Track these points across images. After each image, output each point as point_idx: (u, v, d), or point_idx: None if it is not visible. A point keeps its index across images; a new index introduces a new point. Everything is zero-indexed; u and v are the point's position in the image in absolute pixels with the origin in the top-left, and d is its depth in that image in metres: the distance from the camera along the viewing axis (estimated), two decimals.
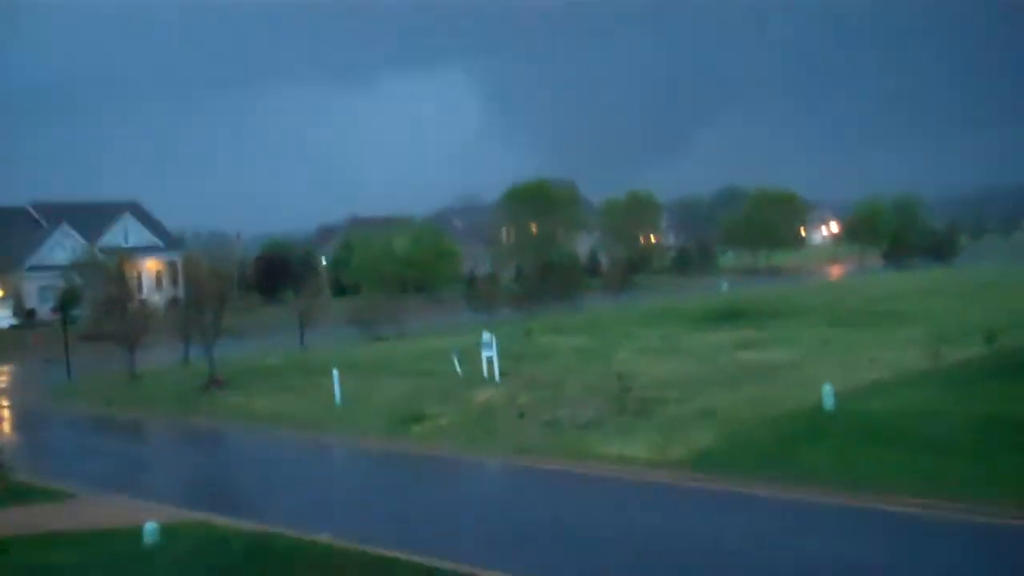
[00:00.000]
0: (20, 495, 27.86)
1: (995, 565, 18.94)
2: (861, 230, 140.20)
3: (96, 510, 26.63)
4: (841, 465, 25.86)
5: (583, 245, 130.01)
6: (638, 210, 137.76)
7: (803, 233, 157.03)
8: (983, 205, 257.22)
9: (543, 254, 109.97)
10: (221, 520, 24.47)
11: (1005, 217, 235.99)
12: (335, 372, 41.58)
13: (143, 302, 65.72)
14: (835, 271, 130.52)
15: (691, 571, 19.33)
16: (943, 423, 28.53)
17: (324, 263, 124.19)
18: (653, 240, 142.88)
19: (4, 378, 63.18)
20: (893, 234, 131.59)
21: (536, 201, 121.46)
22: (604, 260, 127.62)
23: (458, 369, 43.65)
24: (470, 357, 43.96)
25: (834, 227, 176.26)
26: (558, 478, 28.20)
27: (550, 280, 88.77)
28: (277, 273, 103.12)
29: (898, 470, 24.96)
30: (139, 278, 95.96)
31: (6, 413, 46.76)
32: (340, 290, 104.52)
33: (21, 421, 44.96)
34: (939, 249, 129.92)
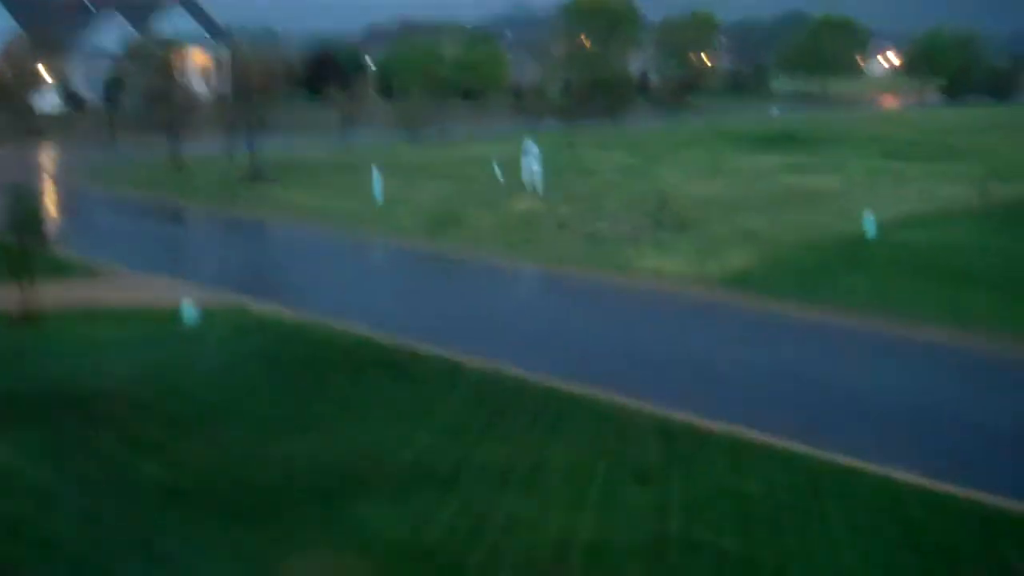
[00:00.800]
0: (62, 269, 28.31)
1: (1003, 399, 19.00)
2: (921, 63, 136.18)
3: (137, 288, 27.13)
4: (876, 293, 25.84)
5: (636, 63, 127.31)
6: (696, 30, 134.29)
7: (862, 63, 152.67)
8: None
9: (594, 69, 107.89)
10: (262, 306, 24.91)
11: None
12: (375, 171, 41.51)
13: (189, 92, 65.32)
14: (892, 102, 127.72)
15: (704, 382, 19.56)
16: (982, 258, 28.39)
17: (372, 64, 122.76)
18: (708, 61, 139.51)
19: (51, 162, 63.75)
20: (954, 69, 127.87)
21: (591, 15, 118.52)
22: (656, 79, 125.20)
23: (499, 177, 43.49)
24: (513, 166, 43.74)
25: (894, 59, 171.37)
26: (592, 287, 28.39)
27: (599, 95, 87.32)
28: (325, 71, 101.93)
29: (931, 301, 24.93)
30: (186, 69, 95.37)
31: (52, 195, 47.33)
32: (387, 92, 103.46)
33: (67, 202, 45.51)
34: (1000, 86, 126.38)
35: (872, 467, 15.12)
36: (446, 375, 19.48)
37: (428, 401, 17.93)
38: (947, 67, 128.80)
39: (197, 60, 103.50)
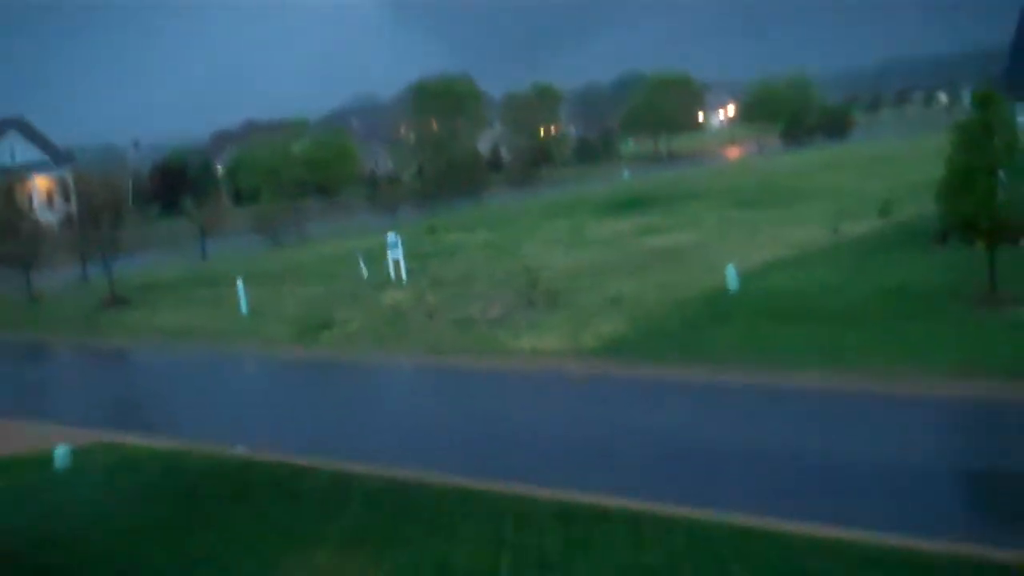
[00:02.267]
0: None
1: (883, 431, 19.47)
2: (757, 111, 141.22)
3: (3, 436, 25.98)
4: (746, 344, 26.38)
5: (485, 141, 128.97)
6: (539, 102, 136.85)
7: (701, 117, 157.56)
8: (878, 80, 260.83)
9: (444, 151, 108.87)
10: (133, 440, 24.11)
11: (897, 90, 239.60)
12: (239, 282, 40.91)
13: (36, 221, 63.52)
14: (734, 153, 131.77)
15: (604, 453, 19.59)
16: (842, 297, 29.27)
17: (221, 171, 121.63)
18: (555, 131, 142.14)
19: None
20: (789, 114, 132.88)
21: (436, 98, 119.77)
22: (506, 154, 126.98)
23: (364, 272, 43.30)
24: (375, 259, 43.61)
25: (731, 110, 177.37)
26: (469, 374, 28.31)
27: (452, 177, 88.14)
28: (174, 183, 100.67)
29: (800, 345, 25.56)
30: (30, 197, 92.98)
31: None
32: (239, 198, 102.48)
33: None
34: (835, 126, 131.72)
35: (760, 521, 15.32)
36: (334, 487, 19.08)
37: (319, 517, 17.49)
38: (782, 112, 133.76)
39: (40, 186, 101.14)
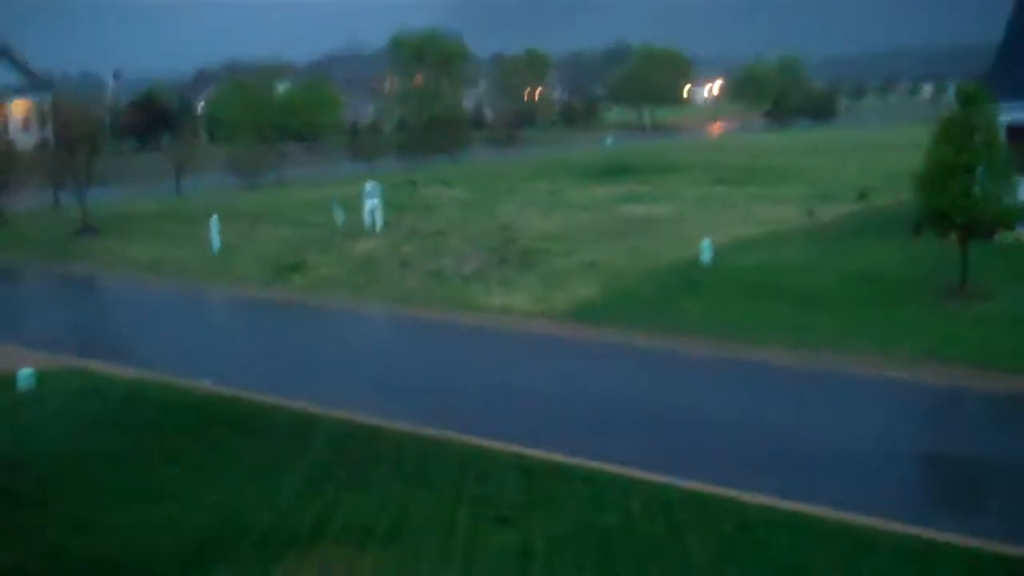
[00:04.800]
0: None
1: (847, 411, 19.80)
2: (745, 90, 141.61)
3: None
4: (716, 317, 26.60)
5: (470, 99, 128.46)
6: (527, 65, 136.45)
7: (687, 91, 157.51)
8: (864, 67, 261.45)
9: (428, 106, 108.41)
10: (98, 367, 24.08)
11: (883, 79, 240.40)
12: (213, 219, 40.70)
13: (10, 143, 62.74)
14: (717, 129, 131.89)
15: (563, 417, 19.79)
16: (813, 278, 29.49)
17: (201, 109, 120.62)
18: (540, 95, 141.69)
19: None
20: (775, 94, 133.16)
21: (422, 52, 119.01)
22: (490, 114, 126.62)
23: (339, 219, 43.17)
24: (352, 208, 43.48)
25: (718, 87, 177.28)
26: (437, 327, 28.39)
27: (434, 132, 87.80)
28: (153, 118, 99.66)
29: (768, 322, 25.81)
30: (6, 120, 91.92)
31: None
32: (217, 137, 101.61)
33: None
34: (819, 109, 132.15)
35: (718, 490, 15.58)
36: (297, 427, 19.18)
37: (281, 456, 17.59)
38: (768, 92, 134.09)
39: (17, 110, 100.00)
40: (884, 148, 68.68)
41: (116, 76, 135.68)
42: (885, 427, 18.86)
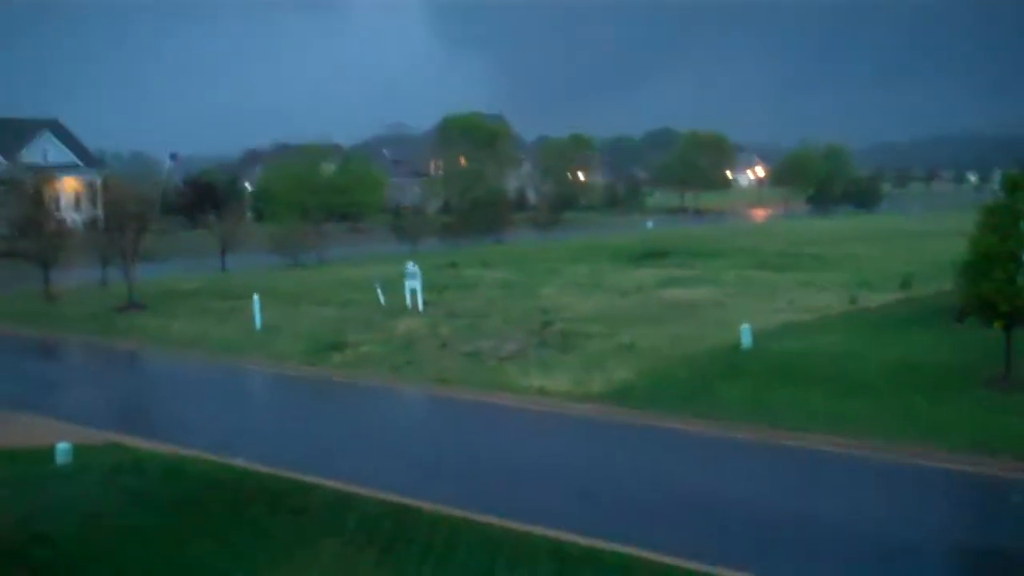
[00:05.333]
0: None
1: (892, 501, 19.40)
2: (789, 175, 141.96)
3: (7, 429, 26.09)
4: (756, 403, 26.29)
5: (514, 181, 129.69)
6: (571, 148, 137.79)
7: (730, 176, 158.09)
8: (909, 155, 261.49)
9: (472, 188, 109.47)
10: (136, 442, 24.19)
11: (928, 167, 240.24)
12: (256, 297, 41.08)
13: (61, 221, 63.93)
14: (760, 214, 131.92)
15: (600, 500, 19.55)
16: (856, 365, 29.12)
17: (249, 188, 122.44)
18: (583, 178, 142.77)
19: None
20: (818, 180, 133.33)
21: (468, 135, 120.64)
22: (533, 196, 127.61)
23: (381, 298, 43.44)
24: (393, 287, 43.74)
25: (760, 171, 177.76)
26: (476, 408, 28.28)
27: (477, 214, 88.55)
28: (202, 197, 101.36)
29: (809, 409, 25.46)
30: (58, 197, 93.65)
31: None
32: (264, 216, 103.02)
33: None
34: (863, 196, 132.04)
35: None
36: (331, 506, 19.08)
37: (315, 534, 17.49)
38: (811, 178, 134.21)
39: (69, 187, 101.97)
40: (927, 236, 68.36)
41: (173, 157, 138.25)
42: (937, 519, 18.46)
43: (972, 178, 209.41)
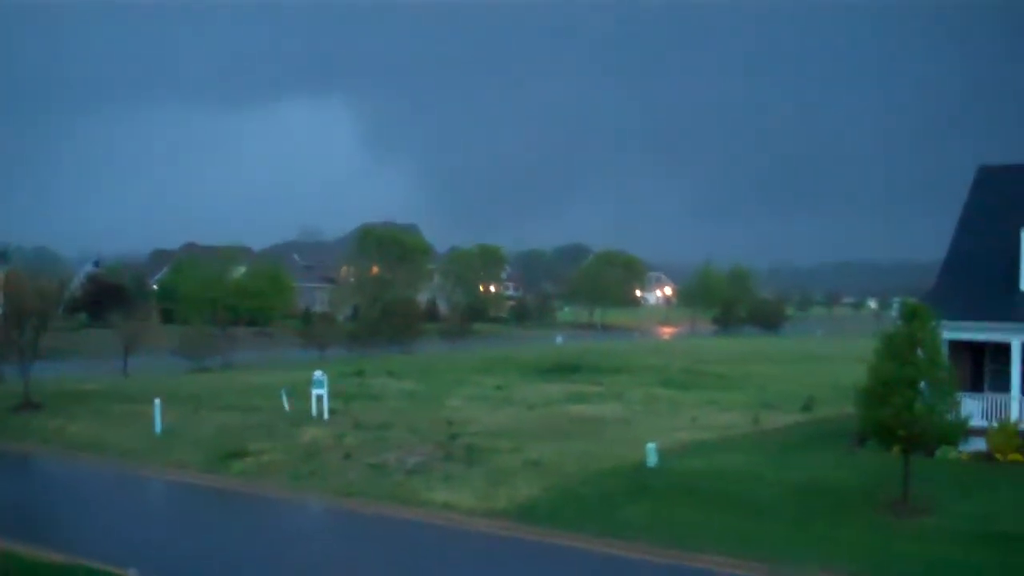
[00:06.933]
0: None
1: None
2: (695, 295, 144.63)
3: None
4: (659, 522, 26.36)
5: (425, 291, 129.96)
6: (482, 260, 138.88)
7: (639, 294, 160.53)
8: (811, 279, 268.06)
9: (382, 297, 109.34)
10: (26, 549, 23.33)
11: (829, 292, 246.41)
12: (157, 401, 40.26)
13: None
14: (667, 332, 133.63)
15: None
16: (758, 486, 29.38)
17: (155, 288, 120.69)
18: (494, 290, 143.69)
19: None
20: (724, 302, 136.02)
21: (381, 244, 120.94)
22: (444, 306, 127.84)
23: (286, 405, 42.88)
24: (299, 394, 43.22)
25: (668, 290, 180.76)
26: (378, 523, 27.89)
27: (387, 322, 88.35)
28: (106, 295, 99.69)
29: (712, 529, 25.59)
30: None
31: None
32: (169, 317, 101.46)
33: None
34: (766, 318, 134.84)
35: None
36: None
37: None
38: (718, 299, 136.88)
39: None
40: (829, 359, 69.83)
41: (96, 264, 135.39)
42: None
43: (872, 304, 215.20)
